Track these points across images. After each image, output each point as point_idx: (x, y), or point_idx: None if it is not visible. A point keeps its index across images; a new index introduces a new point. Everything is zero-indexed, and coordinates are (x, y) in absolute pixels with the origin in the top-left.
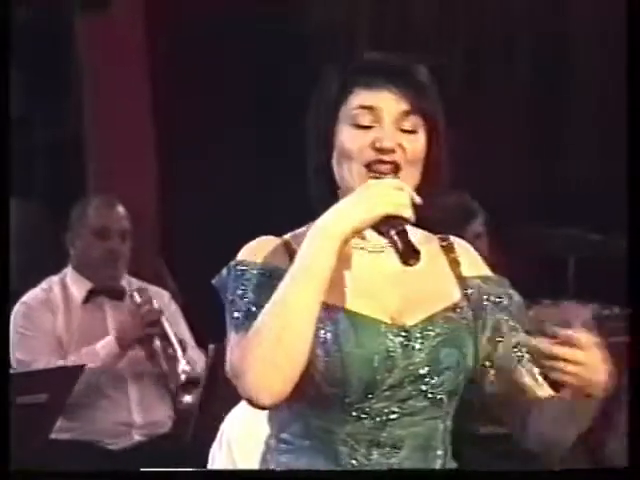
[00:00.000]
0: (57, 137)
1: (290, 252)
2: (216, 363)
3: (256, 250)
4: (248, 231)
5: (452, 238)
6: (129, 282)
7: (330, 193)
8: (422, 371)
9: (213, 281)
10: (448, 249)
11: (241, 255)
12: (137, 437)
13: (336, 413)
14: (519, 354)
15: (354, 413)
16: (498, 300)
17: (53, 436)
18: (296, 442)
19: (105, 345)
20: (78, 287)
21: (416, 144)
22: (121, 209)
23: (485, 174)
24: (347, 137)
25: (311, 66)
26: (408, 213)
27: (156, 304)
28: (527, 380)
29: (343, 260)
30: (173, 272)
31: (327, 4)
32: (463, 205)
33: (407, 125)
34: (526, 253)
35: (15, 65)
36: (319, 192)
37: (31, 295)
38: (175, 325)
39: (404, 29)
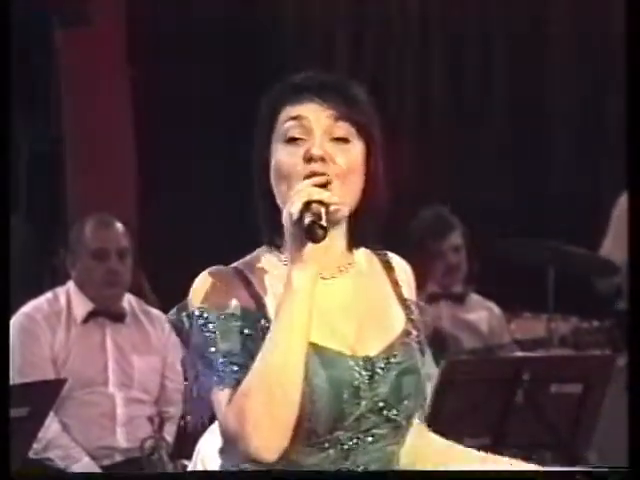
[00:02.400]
0: (37, 150)
1: (247, 286)
2: None
3: (211, 289)
4: (229, 244)
5: (389, 255)
6: (130, 304)
7: (276, 219)
8: (385, 401)
9: (171, 319)
10: (388, 268)
11: (197, 299)
12: (119, 459)
13: (302, 445)
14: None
15: (319, 445)
16: (422, 331)
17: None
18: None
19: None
20: (79, 305)
21: (349, 155)
22: (119, 227)
23: (465, 187)
24: (281, 154)
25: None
26: (322, 195)
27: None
28: None
29: None
30: (153, 284)
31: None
32: (441, 218)
33: (338, 132)
34: (506, 265)
35: None
36: (266, 219)
37: (35, 307)
38: (173, 355)
39: (383, 34)
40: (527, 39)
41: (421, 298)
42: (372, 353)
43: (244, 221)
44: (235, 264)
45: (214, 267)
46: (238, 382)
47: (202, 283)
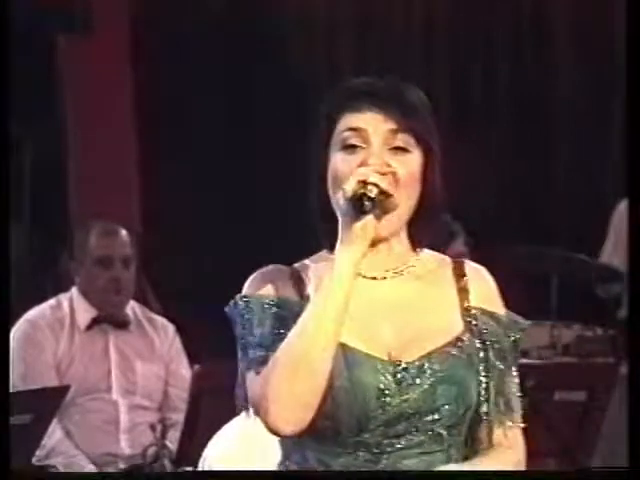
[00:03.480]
0: (40, 156)
1: (297, 281)
2: (200, 385)
3: (262, 281)
4: (232, 252)
5: (467, 264)
6: (134, 311)
7: (333, 223)
8: (416, 408)
9: (226, 309)
10: (459, 275)
11: (247, 287)
12: (122, 466)
13: (330, 446)
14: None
15: (348, 446)
16: (497, 342)
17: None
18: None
19: None
20: (83, 312)
21: (407, 165)
22: (123, 235)
23: (468, 194)
24: (338, 161)
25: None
26: (379, 180)
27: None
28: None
29: None
30: (156, 291)
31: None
32: (444, 225)
33: (398, 143)
34: (509, 273)
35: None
36: (323, 223)
37: (38, 313)
38: (177, 362)
39: (386, 35)
40: (529, 41)
41: None
42: (407, 359)
43: (247, 228)
44: (295, 265)
45: (273, 265)
46: (266, 360)
47: (256, 274)
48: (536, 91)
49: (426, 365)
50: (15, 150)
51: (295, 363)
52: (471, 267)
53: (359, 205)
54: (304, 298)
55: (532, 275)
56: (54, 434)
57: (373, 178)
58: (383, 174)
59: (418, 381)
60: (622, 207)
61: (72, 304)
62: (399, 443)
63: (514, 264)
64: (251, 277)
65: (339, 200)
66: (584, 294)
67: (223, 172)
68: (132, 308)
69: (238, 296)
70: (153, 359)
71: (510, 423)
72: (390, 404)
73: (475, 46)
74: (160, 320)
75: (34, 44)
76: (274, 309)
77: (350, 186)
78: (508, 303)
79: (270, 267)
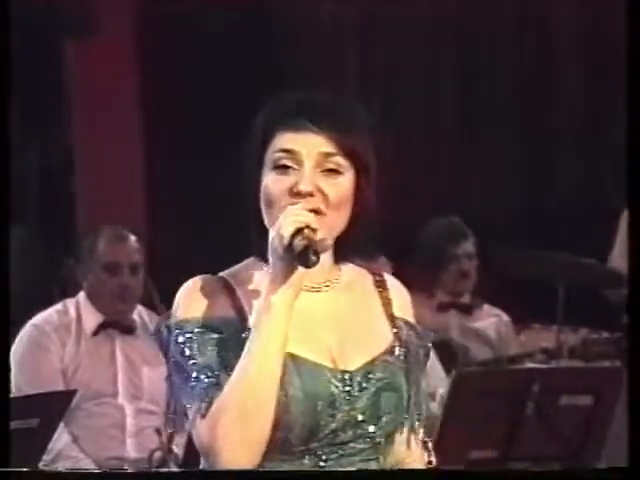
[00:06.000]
0: (47, 161)
1: (230, 293)
2: None
3: (193, 300)
4: (234, 253)
5: (386, 276)
6: (140, 314)
7: (265, 234)
8: (362, 416)
9: (151, 333)
10: (381, 287)
11: (178, 309)
12: (128, 469)
13: (276, 454)
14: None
15: (294, 454)
16: (415, 351)
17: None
18: None
19: None
20: (89, 317)
21: (339, 187)
22: (132, 241)
23: (477, 199)
24: (269, 181)
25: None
26: (309, 220)
27: None
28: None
29: None
30: (163, 295)
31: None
32: (456, 225)
33: (330, 165)
34: (516, 277)
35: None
36: (256, 234)
37: (45, 318)
38: None
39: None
40: (532, 45)
41: (431, 306)
42: (352, 367)
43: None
44: (223, 273)
45: (200, 276)
46: (212, 396)
47: (185, 293)
48: (542, 93)
49: (370, 373)
50: (22, 153)
51: (242, 407)
52: (390, 280)
53: (304, 259)
54: (242, 319)
55: (538, 279)
56: (60, 438)
57: (306, 218)
58: (312, 195)
59: (364, 389)
60: None
61: (79, 309)
62: (343, 451)
63: (520, 268)
64: (180, 294)
65: (274, 242)
66: (590, 298)
67: (233, 174)
68: (139, 312)
69: (172, 321)
70: (159, 363)
71: (421, 435)
72: (339, 412)
73: (480, 47)
74: None
75: (40, 47)
76: (213, 334)
77: (287, 232)
78: (516, 306)
79: (197, 279)
